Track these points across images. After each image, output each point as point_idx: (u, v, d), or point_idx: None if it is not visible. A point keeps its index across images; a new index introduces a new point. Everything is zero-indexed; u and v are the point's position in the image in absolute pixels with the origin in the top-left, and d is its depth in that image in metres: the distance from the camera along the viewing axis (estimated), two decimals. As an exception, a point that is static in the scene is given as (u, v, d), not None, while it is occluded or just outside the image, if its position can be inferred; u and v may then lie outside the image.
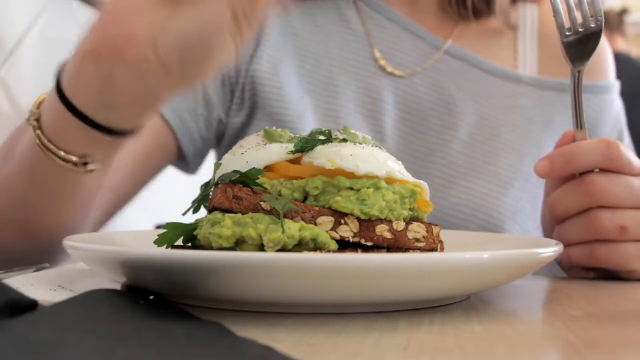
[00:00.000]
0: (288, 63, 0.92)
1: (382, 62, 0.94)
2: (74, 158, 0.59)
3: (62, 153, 0.58)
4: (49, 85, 0.59)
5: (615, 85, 1.01)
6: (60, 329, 0.34)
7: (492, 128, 0.93)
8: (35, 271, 0.60)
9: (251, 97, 0.91)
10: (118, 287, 0.49)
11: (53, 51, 1.05)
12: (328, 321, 0.44)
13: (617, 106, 1.00)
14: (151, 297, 0.47)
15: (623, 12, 3.40)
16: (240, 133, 0.92)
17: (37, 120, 0.59)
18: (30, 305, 0.39)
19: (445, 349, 0.38)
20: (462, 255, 0.45)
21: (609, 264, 0.67)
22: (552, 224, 0.71)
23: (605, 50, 1.01)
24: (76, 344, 0.31)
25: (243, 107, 0.92)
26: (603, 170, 0.66)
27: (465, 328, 0.43)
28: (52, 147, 0.58)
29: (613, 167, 0.66)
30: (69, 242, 0.51)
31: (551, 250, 0.50)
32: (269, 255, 0.42)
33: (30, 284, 0.54)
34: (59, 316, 0.36)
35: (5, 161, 0.66)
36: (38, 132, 0.59)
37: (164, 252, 0.44)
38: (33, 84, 0.98)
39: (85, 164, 0.59)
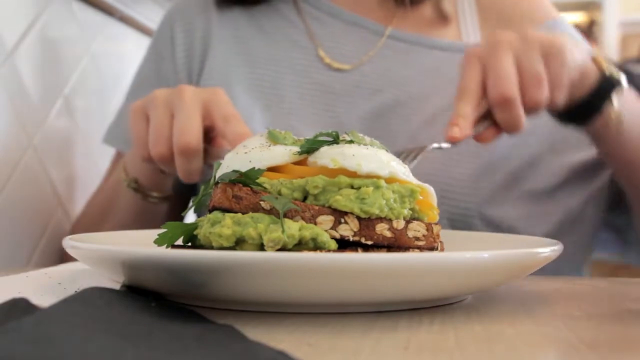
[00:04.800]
0: (238, 72, 0.95)
1: (327, 60, 0.97)
2: (157, 194, 0.90)
3: (154, 194, 0.89)
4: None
5: (562, 20, 1.03)
6: (68, 326, 0.34)
7: (448, 99, 0.94)
8: (35, 270, 0.60)
9: None
10: (117, 286, 0.49)
11: (53, 51, 1.05)
12: (328, 321, 0.44)
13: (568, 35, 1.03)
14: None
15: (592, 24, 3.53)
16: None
17: (136, 182, 0.88)
18: (29, 308, 0.39)
19: (445, 349, 0.38)
20: (462, 255, 0.45)
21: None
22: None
23: None
24: (84, 342, 0.31)
25: None
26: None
27: (465, 328, 0.43)
28: (148, 193, 0.89)
29: (490, 59, 0.72)
30: (69, 242, 0.51)
31: (551, 250, 0.50)
32: (269, 255, 0.42)
33: (31, 283, 0.54)
34: (66, 314, 0.36)
35: (110, 212, 0.95)
36: (138, 188, 0.89)
37: (164, 251, 0.44)
38: (33, 84, 0.98)
39: (165, 198, 0.90)
